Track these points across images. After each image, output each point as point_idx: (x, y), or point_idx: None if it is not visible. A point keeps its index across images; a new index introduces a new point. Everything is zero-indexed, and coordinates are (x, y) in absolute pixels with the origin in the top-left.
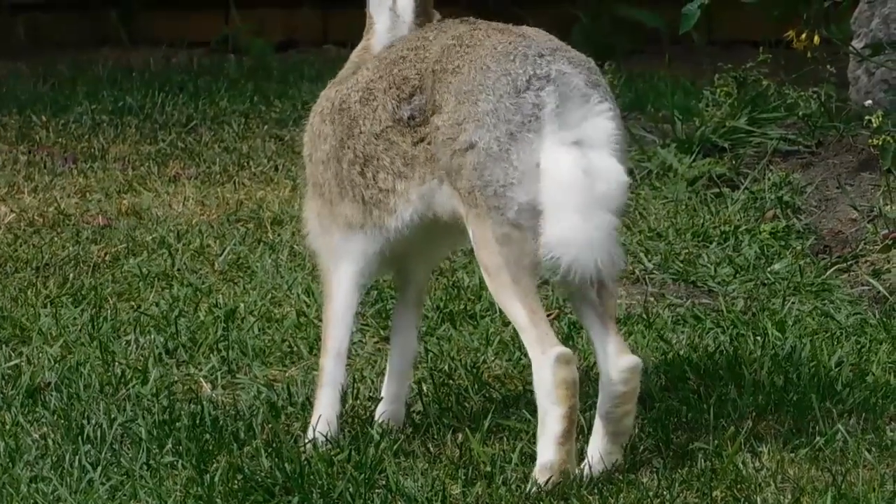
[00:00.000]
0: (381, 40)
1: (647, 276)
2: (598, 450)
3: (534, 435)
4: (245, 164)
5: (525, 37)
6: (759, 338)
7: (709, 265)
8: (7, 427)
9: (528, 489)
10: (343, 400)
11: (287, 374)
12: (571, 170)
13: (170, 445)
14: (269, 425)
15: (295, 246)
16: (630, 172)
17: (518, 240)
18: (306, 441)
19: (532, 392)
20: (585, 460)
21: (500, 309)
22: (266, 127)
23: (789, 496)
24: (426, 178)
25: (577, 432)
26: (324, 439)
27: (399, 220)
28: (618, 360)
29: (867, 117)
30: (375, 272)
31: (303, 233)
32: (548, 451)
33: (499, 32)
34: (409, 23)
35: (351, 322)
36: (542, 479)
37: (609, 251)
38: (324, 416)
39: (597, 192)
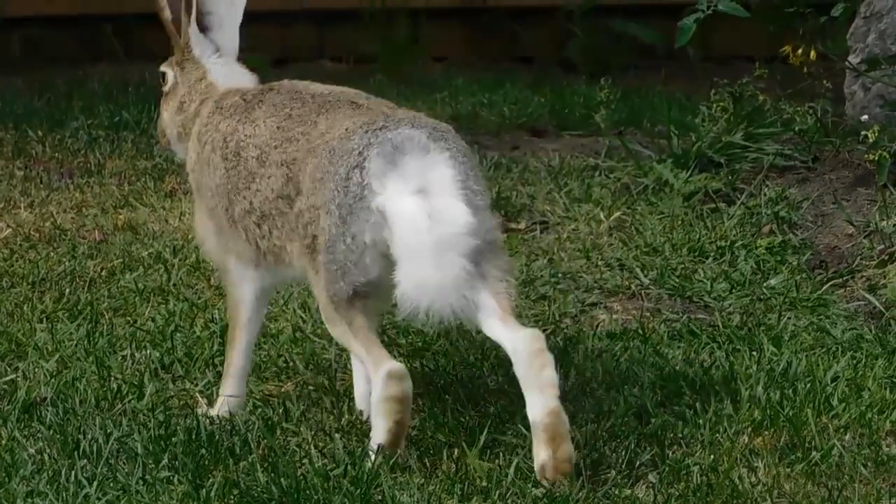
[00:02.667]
0: (217, 69)
1: (643, 292)
2: (536, 408)
3: (530, 449)
4: None
5: (371, 110)
6: (755, 353)
7: (705, 280)
8: (3, 442)
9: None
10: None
11: (283, 390)
12: (416, 215)
13: (166, 460)
14: (265, 440)
15: None
16: (626, 188)
17: (342, 292)
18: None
19: (526, 406)
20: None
21: None
22: None
23: None
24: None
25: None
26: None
27: (295, 272)
28: (521, 329)
29: (863, 132)
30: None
31: (196, 242)
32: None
33: (353, 109)
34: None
35: (259, 321)
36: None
37: (462, 294)
38: (228, 402)
39: (443, 235)
